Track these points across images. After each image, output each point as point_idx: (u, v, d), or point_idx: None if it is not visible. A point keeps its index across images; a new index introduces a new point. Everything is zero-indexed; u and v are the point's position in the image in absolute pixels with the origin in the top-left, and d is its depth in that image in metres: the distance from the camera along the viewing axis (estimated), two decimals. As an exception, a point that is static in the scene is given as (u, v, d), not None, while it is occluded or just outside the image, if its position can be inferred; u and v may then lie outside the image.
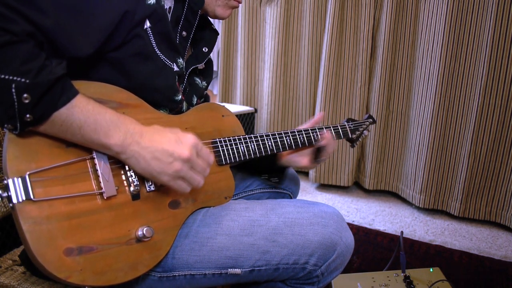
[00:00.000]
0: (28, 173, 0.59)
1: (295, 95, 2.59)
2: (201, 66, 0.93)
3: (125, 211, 0.68)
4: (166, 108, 0.82)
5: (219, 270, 0.77)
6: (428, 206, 2.17)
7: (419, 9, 2.11)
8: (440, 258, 1.70)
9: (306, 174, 2.64)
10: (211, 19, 0.95)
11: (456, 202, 2.11)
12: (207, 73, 1.00)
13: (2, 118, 0.56)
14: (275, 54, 2.51)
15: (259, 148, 0.92)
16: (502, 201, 2.02)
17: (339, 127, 1.08)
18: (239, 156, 0.90)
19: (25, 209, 0.58)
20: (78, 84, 0.65)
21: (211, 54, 0.95)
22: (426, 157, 2.12)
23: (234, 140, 0.90)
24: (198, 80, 0.95)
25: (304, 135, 1.00)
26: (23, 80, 0.54)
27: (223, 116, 0.93)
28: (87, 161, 0.66)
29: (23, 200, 0.58)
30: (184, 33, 0.85)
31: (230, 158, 0.88)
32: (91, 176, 0.66)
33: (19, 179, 0.58)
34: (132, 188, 0.69)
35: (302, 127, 1.02)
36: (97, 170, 0.66)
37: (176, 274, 0.77)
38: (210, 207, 0.84)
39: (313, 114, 2.54)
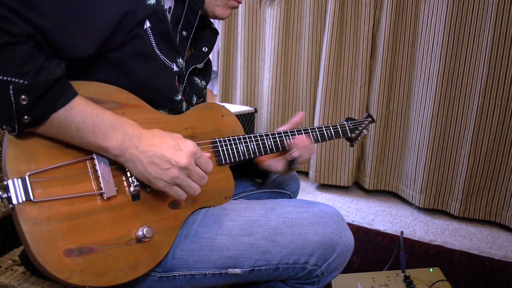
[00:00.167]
0: (28, 174, 0.59)
1: (295, 95, 2.59)
2: (200, 65, 0.93)
3: (125, 211, 0.68)
4: (166, 108, 0.82)
5: (219, 270, 0.77)
6: (428, 206, 2.17)
7: (419, 9, 2.11)
8: (440, 258, 1.70)
9: (306, 174, 2.64)
10: (211, 19, 0.95)
11: (456, 202, 2.11)
12: (206, 73, 0.99)
13: (0, 119, 0.56)
14: (275, 54, 2.51)
15: (258, 148, 0.92)
16: (502, 201, 2.02)
17: (338, 126, 1.08)
18: (239, 156, 0.90)
19: (25, 210, 0.58)
20: (77, 84, 0.65)
21: (210, 54, 0.95)
22: (426, 157, 2.12)
23: (234, 140, 0.90)
24: (197, 79, 0.95)
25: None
26: (21, 81, 0.54)
27: (222, 116, 0.93)
28: (87, 161, 0.66)
29: (23, 201, 0.58)
30: (184, 33, 0.85)
31: (229, 158, 0.88)
32: (91, 177, 0.66)
33: (19, 180, 0.58)
34: (132, 189, 0.69)
35: (282, 128, 0.99)
36: (97, 170, 0.66)
37: (176, 274, 0.77)
38: (210, 207, 0.84)
39: (313, 114, 2.54)
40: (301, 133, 0.99)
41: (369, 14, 2.21)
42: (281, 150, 0.97)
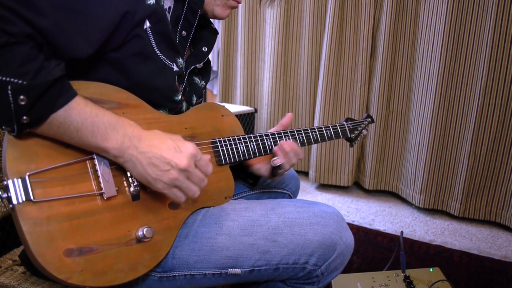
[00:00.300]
0: (28, 174, 0.59)
1: (295, 95, 2.59)
2: (200, 65, 0.93)
3: (125, 211, 0.68)
4: (166, 108, 0.82)
5: (219, 270, 0.77)
6: (428, 206, 2.17)
7: (419, 9, 2.11)
8: (440, 258, 1.70)
9: (306, 174, 2.64)
10: (211, 19, 0.95)
11: (456, 202, 2.11)
12: (206, 72, 0.99)
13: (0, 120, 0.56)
14: (275, 54, 2.51)
15: (258, 148, 0.92)
16: (502, 201, 2.02)
17: (338, 126, 1.08)
18: (239, 156, 0.90)
19: (25, 210, 0.58)
20: (77, 84, 0.65)
21: (210, 54, 0.95)
22: (426, 157, 2.12)
23: (234, 140, 0.90)
24: (197, 79, 0.95)
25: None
26: (20, 81, 0.54)
27: (222, 116, 0.93)
28: (87, 161, 0.66)
29: (23, 201, 0.58)
30: (184, 32, 0.85)
31: (229, 158, 0.88)
32: (91, 177, 0.66)
33: (19, 180, 0.58)
34: (132, 189, 0.69)
35: (271, 130, 0.98)
36: (97, 170, 0.66)
37: (176, 274, 0.77)
38: (210, 207, 0.84)
39: (313, 114, 2.54)
40: (296, 135, 0.98)
41: (369, 14, 2.21)
42: (263, 153, 0.95)
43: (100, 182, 0.66)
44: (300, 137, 0.99)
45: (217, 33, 0.96)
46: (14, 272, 0.84)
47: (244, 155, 0.90)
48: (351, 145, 1.17)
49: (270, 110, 2.60)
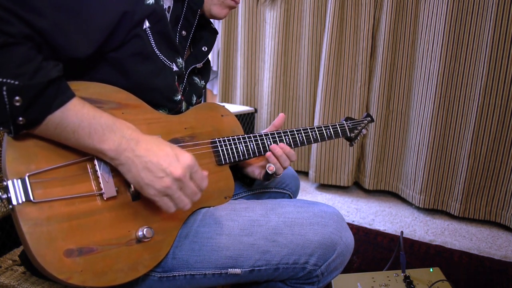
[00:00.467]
0: (27, 174, 0.59)
1: (295, 95, 2.59)
2: (199, 65, 0.93)
3: (125, 211, 0.68)
4: (166, 108, 0.81)
5: (219, 270, 0.77)
6: (428, 206, 2.17)
7: (419, 9, 2.11)
8: (440, 258, 1.70)
9: (306, 174, 2.64)
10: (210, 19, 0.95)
11: (456, 202, 2.10)
12: (205, 72, 0.99)
13: None
14: (275, 54, 2.51)
15: (258, 148, 0.92)
16: (502, 201, 2.02)
17: (337, 126, 1.08)
18: (239, 156, 0.90)
19: (25, 210, 0.58)
20: (77, 84, 0.65)
21: (210, 54, 0.95)
22: (426, 157, 2.12)
23: (234, 139, 0.90)
24: (197, 79, 0.95)
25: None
26: (15, 82, 0.54)
27: (222, 116, 0.93)
28: (87, 162, 0.66)
29: (23, 202, 0.58)
30: (183, 32, 0.85)
31: (229, 158, 0.88)
32: (91, 177, 0.66)
33: (19, 180, 0.58)
34: (132, 189, 0.69)
35: (264, 131, 0.97)
36: (97, 171, 0.66)
37: (176, 274, 0.77)
38: (210, 207, 0.84)
39: (313, 113, 2.54)
40: (289, 136, 0.97)
41: (369, 14, 2.21)
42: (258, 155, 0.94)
43: (100, 183, 0.66)
44: (300, 137, 0.99)
45: (217, 32, 0.96)
46: (14, 272, 0.84)
47: (244, 155, 0.90)
48: (351, 145, 1.17)
49: (270, 110, 2.60)
